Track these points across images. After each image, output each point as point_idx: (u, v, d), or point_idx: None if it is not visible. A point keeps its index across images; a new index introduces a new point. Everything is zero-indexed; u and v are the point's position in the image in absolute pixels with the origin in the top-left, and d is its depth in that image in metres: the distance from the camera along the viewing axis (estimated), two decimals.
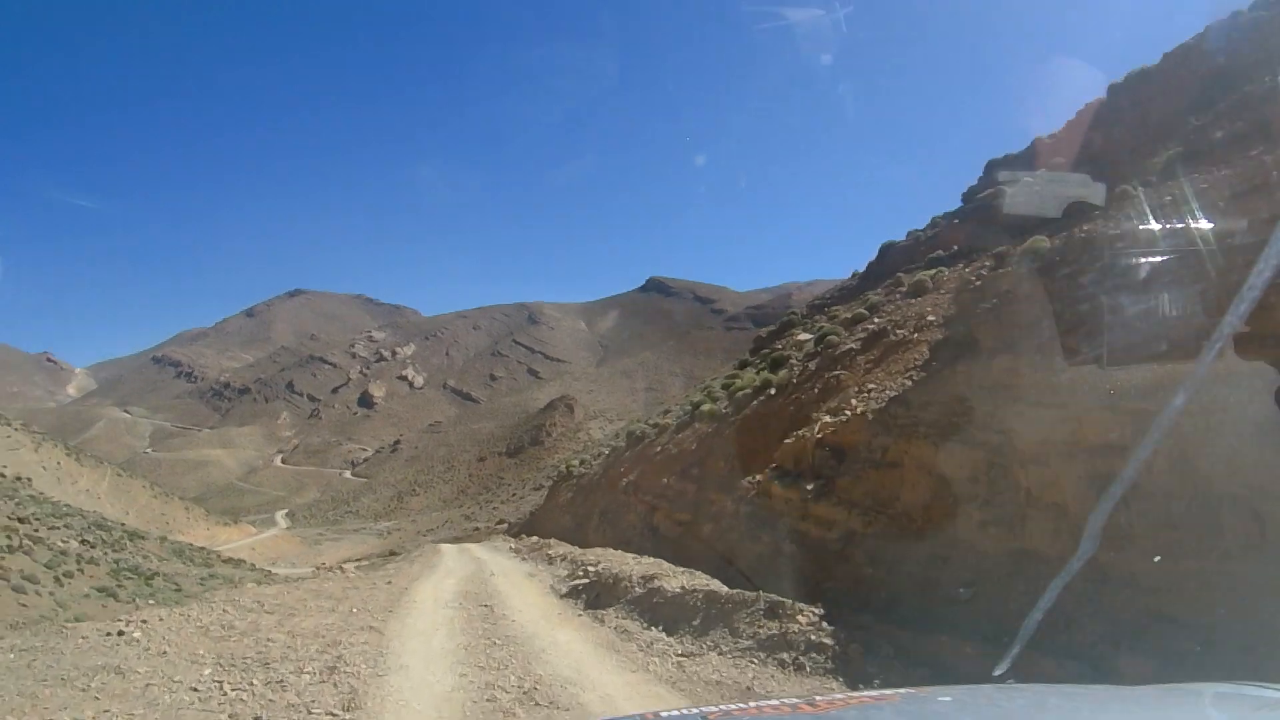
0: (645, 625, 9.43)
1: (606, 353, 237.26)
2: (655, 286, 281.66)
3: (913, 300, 20.96)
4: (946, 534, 9.03)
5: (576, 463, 48.30)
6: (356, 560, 46.45)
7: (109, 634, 9.40)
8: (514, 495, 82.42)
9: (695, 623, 8.73)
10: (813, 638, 7.19)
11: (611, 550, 17.97)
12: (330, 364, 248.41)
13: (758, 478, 15.25)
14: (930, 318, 17.79)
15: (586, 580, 12.52)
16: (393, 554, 46.15)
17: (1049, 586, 3.15)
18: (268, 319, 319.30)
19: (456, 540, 52.21)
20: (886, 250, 46.63)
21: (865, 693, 2.51)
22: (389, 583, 15.25)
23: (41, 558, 21.92)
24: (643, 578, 11.00)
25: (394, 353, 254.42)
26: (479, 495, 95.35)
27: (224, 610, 11.48)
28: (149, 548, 27.21)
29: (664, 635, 8.85)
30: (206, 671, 7.60)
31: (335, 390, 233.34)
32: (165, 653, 8.42)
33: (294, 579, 32.01)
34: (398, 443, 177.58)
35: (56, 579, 21.00)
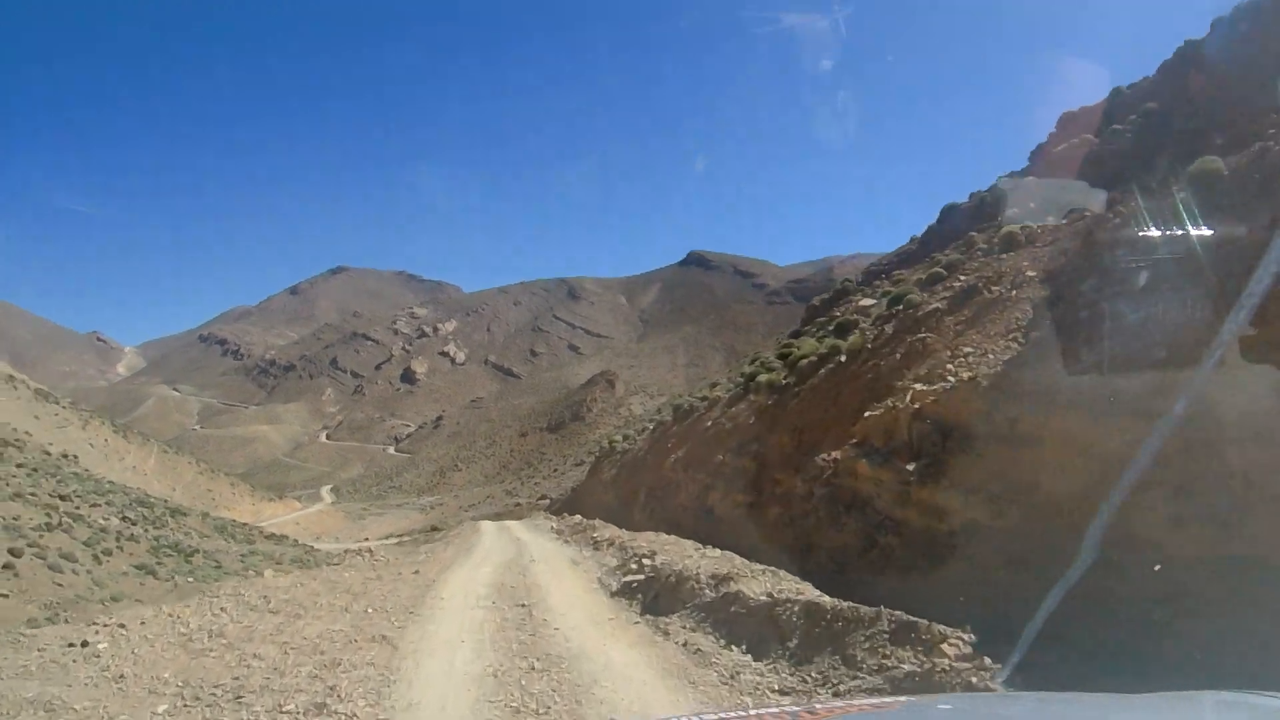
0: (722, 643, 7.46)
1: (647, 328, 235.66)
2: (696, 261, 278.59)
3: (1003, 256, 18.54)
4: (1116, 531, 6.91)
5: (619, 438, 46.70)
6: (398, 536, 45.51)
7: (71, 644, 7.76)
8: (555, 470, 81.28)
9: (791, 644, 6.73)
10: (972, 679, 5.13)
11: (665, 536, 15.91)
12: (373, 340, 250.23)
13: (835, 455, 13.18)
14: (1030, 273, 15.46)
15: (641, 576, 10.54)
16: (434, 530, 45.14)
17: None
18: (311, 297, 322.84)
19: (498, 517, 51.00)
20: (949, 212, 43.85)
21: (866, 700, 2.78)
22: (416, 573, 13.44)
23: (81, 535, 20.86)
24: (713, 577, 8.98)
25: (435, 329, 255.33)
26: (520, 470, 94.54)
27: (221, 609, 9.83)
28: (191, 524, 26.19)
29: (750, 660, 6.87)
30: (161, 709, 5.86)
31: (378, 366, 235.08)
32: (124, 676, 6.70)
33: (333, 557, 30.86)
34: (440, 418, 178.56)
35: (95, 557, 19.90)
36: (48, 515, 20.83)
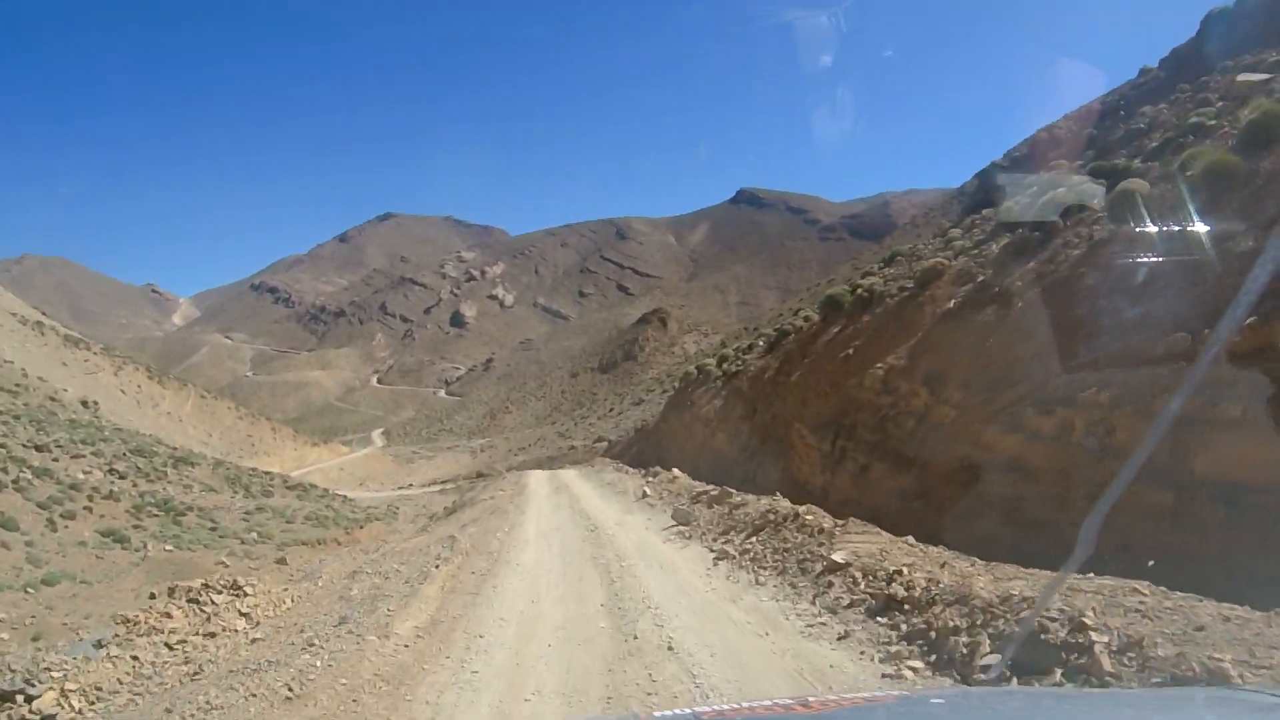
0: None
1: (697, 267, 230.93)
2: (746, 198, 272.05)
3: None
4: None
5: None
6: (442, 483, 42.09)
7: None
8: (611, 410, 76.85)
9: None
10: None
11: (960, 556, 7.44)
12: (421, 285, 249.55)
13: None
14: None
15: None
16: (480, 475, 41.52)
17: None
18: (360, 243, 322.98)
19: (550, 462, 46.79)
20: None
21: (859, 694, 2.48)
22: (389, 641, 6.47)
23: (39, 494, 17.33)
24: None
25: (483, 272, 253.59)
26: (573, 411, 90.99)
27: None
28: (197, 475, 22.70)
29: None
30: None
31: (427, 311, 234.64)
32: None
33: (362, 511, 27.23)
34: (490, 361, 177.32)
35: (50, 522, 16.34)
36: (2, 471, 17.32)
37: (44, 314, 65.59)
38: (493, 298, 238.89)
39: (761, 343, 32.10)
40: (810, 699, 1.96)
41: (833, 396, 17.42)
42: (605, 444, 47.47)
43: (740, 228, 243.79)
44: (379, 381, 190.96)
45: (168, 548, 14.48)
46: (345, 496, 29.84)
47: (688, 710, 1.82)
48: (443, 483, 41.60)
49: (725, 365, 31.88)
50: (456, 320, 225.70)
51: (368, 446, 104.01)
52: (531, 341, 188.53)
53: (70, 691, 5.78)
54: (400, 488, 43.84)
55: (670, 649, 5.75)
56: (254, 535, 16.74)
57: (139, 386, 54.44)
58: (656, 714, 1.84)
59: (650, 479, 18.60)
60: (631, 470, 23.37)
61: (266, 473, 27.88)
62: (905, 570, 6.57)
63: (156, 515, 16.39)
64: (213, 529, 16.51)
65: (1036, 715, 1.95)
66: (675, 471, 18.44)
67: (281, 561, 14.94)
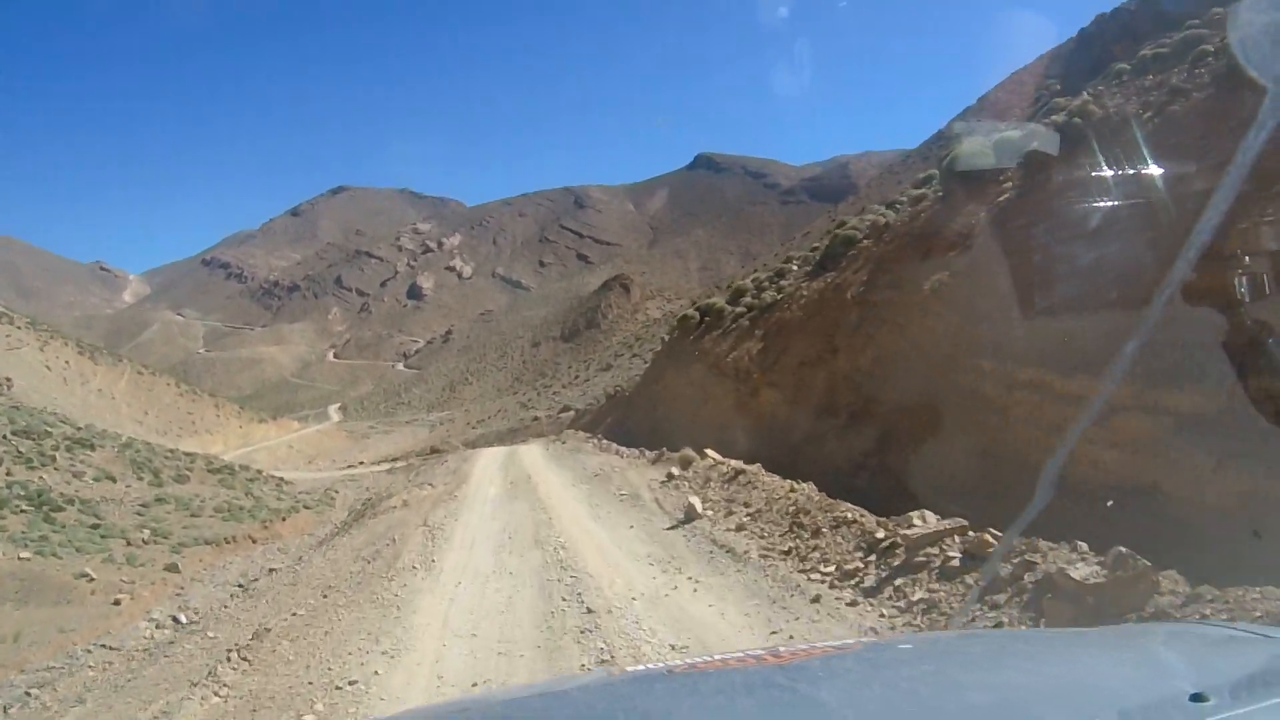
0: None
1: (657, 234, 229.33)
2: (704, 163, 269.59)
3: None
4: None
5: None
6: (393, 460, 39.68)
7: None
8: (577, 378, 74.14)
9: None
10: None
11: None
12: (377, 258, 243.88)
13: None
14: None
15: None
16: (434, 451, 39.15)
17: None
18: (313, 217, 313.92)
19: (512, 435, 44.36)
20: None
21: (828, 642, 2.59)
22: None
23: None
24: None
25: (440, 244, 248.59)
26: (535, 381, 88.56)
27: None
28: (96, 459, 20.05)
29: None
30: None
31: (384, 284, 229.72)
32: None
33: (301, 489, 24.84)
34: (449, 333, 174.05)
35: None
36: None
37: None
38: (450, 269, 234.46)
39: (795, 265, 25.01)
40: (780, 649, 2.04)
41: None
42: (572, 413, 44.14)
43: (699, 193, 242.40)
44: (335, 356, 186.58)
45: (23, 555, 11.93)
46: (282, 479, 27.37)
47: (660, 664, 1.88)
48: (393, 460, 39.14)
49: (748, 298, 24.42)
50: (414, 293, 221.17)
51: (324, 422, 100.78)
52: (491, 313, 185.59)
53: None
54: (349, 466, 41.29)
55: None
56: (145, 534, 14.28)
57: (67, 363, 50.84)
58: (630, 668, 1.98)
59: (654, 465, 13.48)
60: (624, 451, 17.90)
61: (188, 454, 25.11)
62: None
63: (25, 511, 13.86)
64: (95, 527, 14.03)
65: (1004, 656, 1.97)
66: (713, 458, 12.71)
67: (172, 569, 12.61)
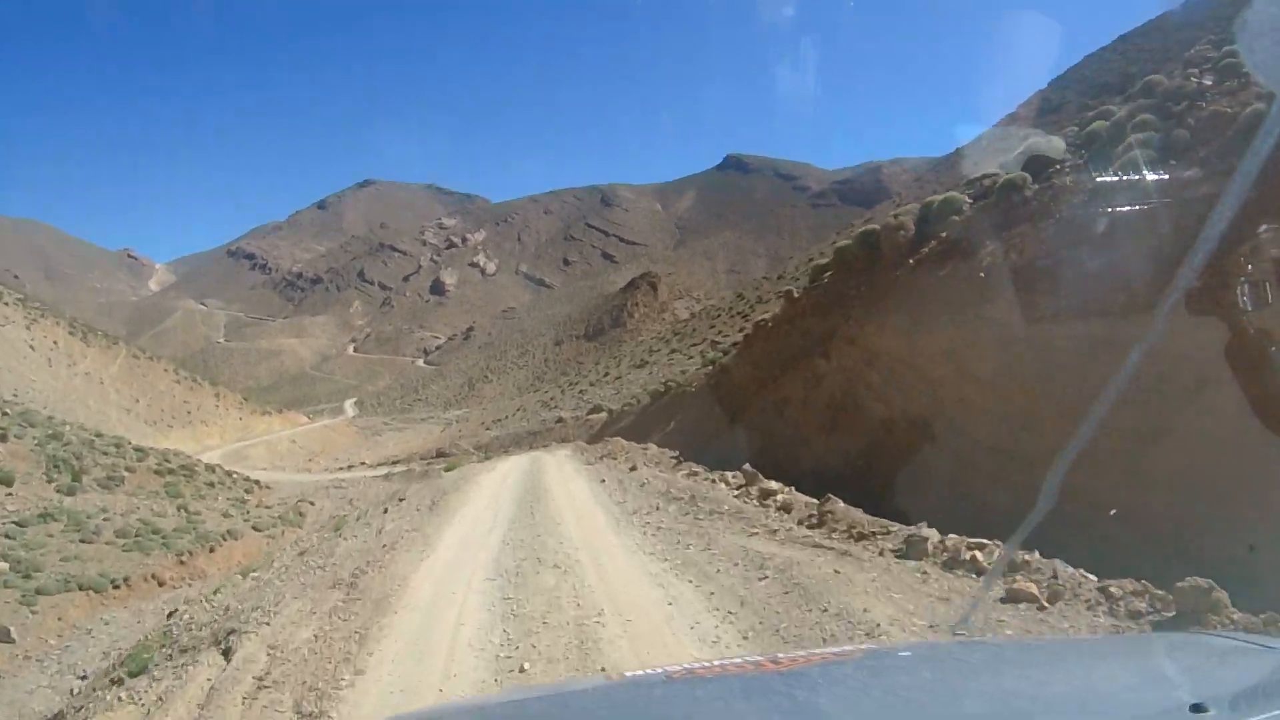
0: None
1: (684, 234, 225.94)
2: (733, 164, 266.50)
3: None
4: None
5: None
6: (394, 463, 35.47)
7: None
8: (607, 375, 67.63)
9: None
10: None
11: None
12: (401, 252, 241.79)
13: None
14: None
15: None
16: (440, 455, 34.82)
17: None
18: (339, 210, 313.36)
19: (532, 439, 36.87)
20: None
21: (827, 649, 2.63)
22: None
23: None
24: None
25: (464, 239, 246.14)
26: (559, 379, 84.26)
27: None
28: (2, 452, 16.08)
29: None
30: None
31: (406, 278, 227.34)
32: None
33: (277, 499, 20.63)
34: (470, 330, 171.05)
35: None
36: None
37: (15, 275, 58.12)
38: (474, 265, 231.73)
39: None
40: (779, 656, 2.03)
41: None
42: (605, 415, 35.11)
43: (728, 194, 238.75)
44: (355, 350, 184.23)
45: None
46: (257, 482, 23.25)
47: (658, 669, 1.88)
48: (394, 463, 34.81)
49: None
50: (436, 288, 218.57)
51: (339, 416, 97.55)
52: (514, 310, 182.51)
53: None
54: (348, 467, 37.15)
55: None
56: (1, 568, 10.12)
57: (55, 343, 47.34)
58: (627, 673, 1.90)
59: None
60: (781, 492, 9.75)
61: (140, 450, 20.94)
62: None
63: None
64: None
65: (1002, 664, 1.98)
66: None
67: (4, 638, 8.37)
